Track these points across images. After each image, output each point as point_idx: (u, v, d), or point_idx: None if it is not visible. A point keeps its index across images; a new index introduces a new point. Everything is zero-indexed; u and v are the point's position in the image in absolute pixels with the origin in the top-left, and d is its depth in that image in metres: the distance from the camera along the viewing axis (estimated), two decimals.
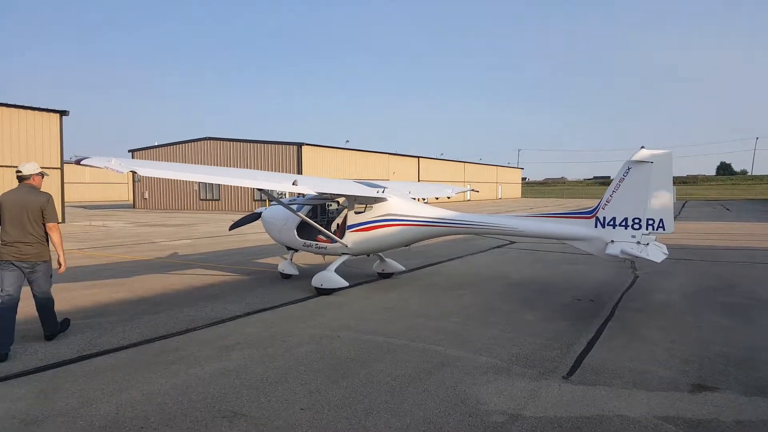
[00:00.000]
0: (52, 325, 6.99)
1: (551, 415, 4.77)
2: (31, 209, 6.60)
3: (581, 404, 5.01)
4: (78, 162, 6.93)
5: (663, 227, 8.26)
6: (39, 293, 6.78)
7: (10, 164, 26.66)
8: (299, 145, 42.96)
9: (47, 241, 6.75)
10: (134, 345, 6.79)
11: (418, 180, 60.90)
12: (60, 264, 6.80)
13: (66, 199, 29.55)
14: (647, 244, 8.30)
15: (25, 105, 27.42)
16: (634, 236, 8.38)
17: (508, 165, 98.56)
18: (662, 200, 8.22)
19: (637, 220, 8.36)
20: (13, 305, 6.51)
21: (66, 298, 9.48)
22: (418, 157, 63.82)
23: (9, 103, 26.85)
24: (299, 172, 41.59)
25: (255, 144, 44.62)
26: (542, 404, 5.01)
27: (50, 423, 4.59)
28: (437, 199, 14.94)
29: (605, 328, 7.60)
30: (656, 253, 8.32)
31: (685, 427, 4.55)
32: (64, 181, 29.10)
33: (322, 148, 46.48)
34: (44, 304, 6.85)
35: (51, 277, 6.86)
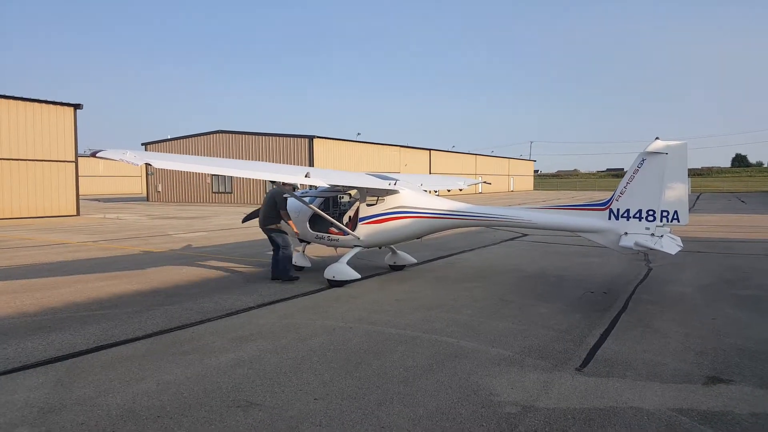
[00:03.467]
0: (282, 272, 10.32)
1: (564, 407, 4.77)
2: (270, 202, 10.36)
3: (594, 396, 5.00)
4: (93, 154, 6.99)
5: (677, 219, 8.19)
6: (281, 248, 10.37)
7: (25, 157, 26.96)
8: (311, 138, 43.01)
9: (279, 219, 10.42)
10: (149, 336, 6.87)
11: (429, 172, 60.75)
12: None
13: (80, 192, 29.78)
14: (661, 236, 8.24)
15: (40, 99, 27.66)
16: (648, 228, 8.31)
17: (521, 157, 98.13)
18: (677, 192, 8.15)
19: (651, 212, 8.29)
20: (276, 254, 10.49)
21: (82, 289, 9.61)
22: (430, 149, 63.65)
23: (24, 96, 27.10)
24: (311, 164, 41.65)
25: (267, 137, 44.72)
26: (555, 396, 5.01)
27: (67, 412, 4.67)
28: (449, 191, 14.91)
29: (619, 321, 7.57)
30: (670, 245, 8.26)
31: (699, 419, 4.53)
32: (79, 174, 29.36)
33: (334, 140, 46.50)
34: (283, 254, 10.34)
35: (284, 238, 10.42)
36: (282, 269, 10.35)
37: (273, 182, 9.14)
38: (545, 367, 5.76)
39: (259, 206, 10.90)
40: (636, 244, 8.23)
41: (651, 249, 8.17)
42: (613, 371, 5.63)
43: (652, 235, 8.26)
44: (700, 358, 6.01)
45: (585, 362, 5.91)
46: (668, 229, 8.35)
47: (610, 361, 5.92)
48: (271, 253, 10.70)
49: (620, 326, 7.29)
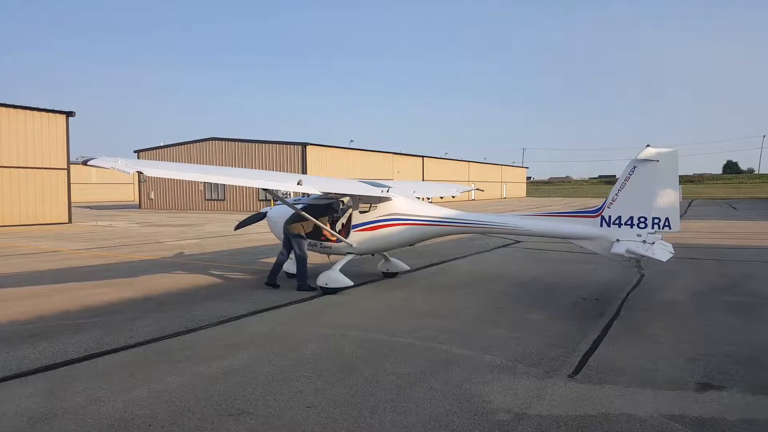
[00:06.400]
0: (300, 278, 10.05)
1: (557, 414, 4.78)
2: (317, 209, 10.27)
3: (587, 403, 5.01)
4: (85, 162, 6.97)
5: (669, 226, 8.25)
6: (296, 253, 10.21)
7: (17, 165, 26.81)
8: (304, 145, 43.04)
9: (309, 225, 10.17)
10: (141, 344, 6.83)
11: (422, 179, 60.87)
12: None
13: (72, 200, 29.62)
14: (653, 243, 8.29)
15: (32, 106, 27.54)
16: (639, 235, 8.36)
17: (513, 164, 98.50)
18: (668, 199, 8.21)
19: (642, 219, 8.35)
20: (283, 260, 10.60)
21: (74, 297, 9.55)
22: (423, 156, 63.80)
23: (16, 104, 26.97)
24: (304, 172, 41.64)
25: (260, 144, 44.73)
26: (548, 403, 5.02)
27: (58, 421, 4.63)
28: (442, 198, 14.95)
29: (611, 327, 7.59)
30: (662, 252, 8.30)
31: (691, 425, 4.55)
32: (71, 182, 29.21)
33: (327, 147, 46.56)
34: (298, 262, 10.16)
35: (301, 245, 10.15)
36: (301, 276, 10.08)
37: (266, 189, 9.13)
38: (538, 374, 5.77)
39: (252, 213, 10.86)
40: (628, 251, 8.27)
41: (642, 256, 8.21)
42: (605, 378, 5.64)
43: (644, 242, 8.30)
44: (692, 365, 6.04)
45: (577, 369, 5.92)
46: (660, 236, 8.40)
47: (602, 368, 5.93)
48: (280, 257, 10.55)
49: (612, 333, 7.32)
